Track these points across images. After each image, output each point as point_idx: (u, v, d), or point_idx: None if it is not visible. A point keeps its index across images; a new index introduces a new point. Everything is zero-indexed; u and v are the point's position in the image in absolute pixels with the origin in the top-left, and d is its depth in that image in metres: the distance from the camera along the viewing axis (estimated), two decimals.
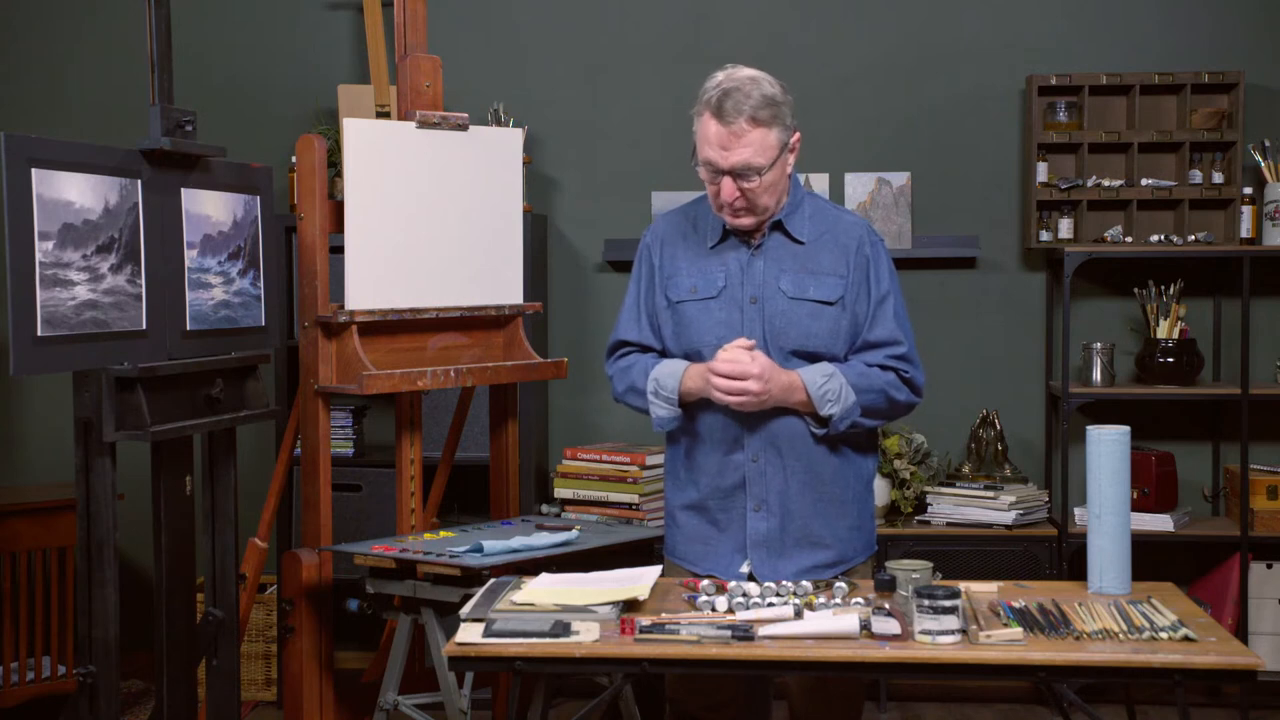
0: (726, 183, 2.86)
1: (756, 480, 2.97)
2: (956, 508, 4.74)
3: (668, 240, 3.07)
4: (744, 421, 2.95)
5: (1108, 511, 2.79)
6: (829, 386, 2.91)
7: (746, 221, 2.93)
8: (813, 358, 2.96)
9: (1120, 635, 2.53)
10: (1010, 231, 5.06)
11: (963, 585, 2.78)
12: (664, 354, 3.08)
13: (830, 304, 2.95)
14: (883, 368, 2.99)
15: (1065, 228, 4.87)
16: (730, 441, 2.97)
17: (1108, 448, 2.80)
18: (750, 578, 2.97)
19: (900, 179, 4.99)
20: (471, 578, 3.17)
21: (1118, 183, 4.84)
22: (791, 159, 2.96)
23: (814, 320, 2.94)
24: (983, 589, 2.83)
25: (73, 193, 2.90)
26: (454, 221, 3.82)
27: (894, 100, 5.05)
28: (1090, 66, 4.92)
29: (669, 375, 2.98)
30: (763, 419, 2.94)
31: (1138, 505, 4.62)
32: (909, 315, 3.08)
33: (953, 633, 2.49)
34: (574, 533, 3.56)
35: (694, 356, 2.99)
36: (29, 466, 5.30)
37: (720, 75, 2.89)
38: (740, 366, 2.84)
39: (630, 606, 2.69)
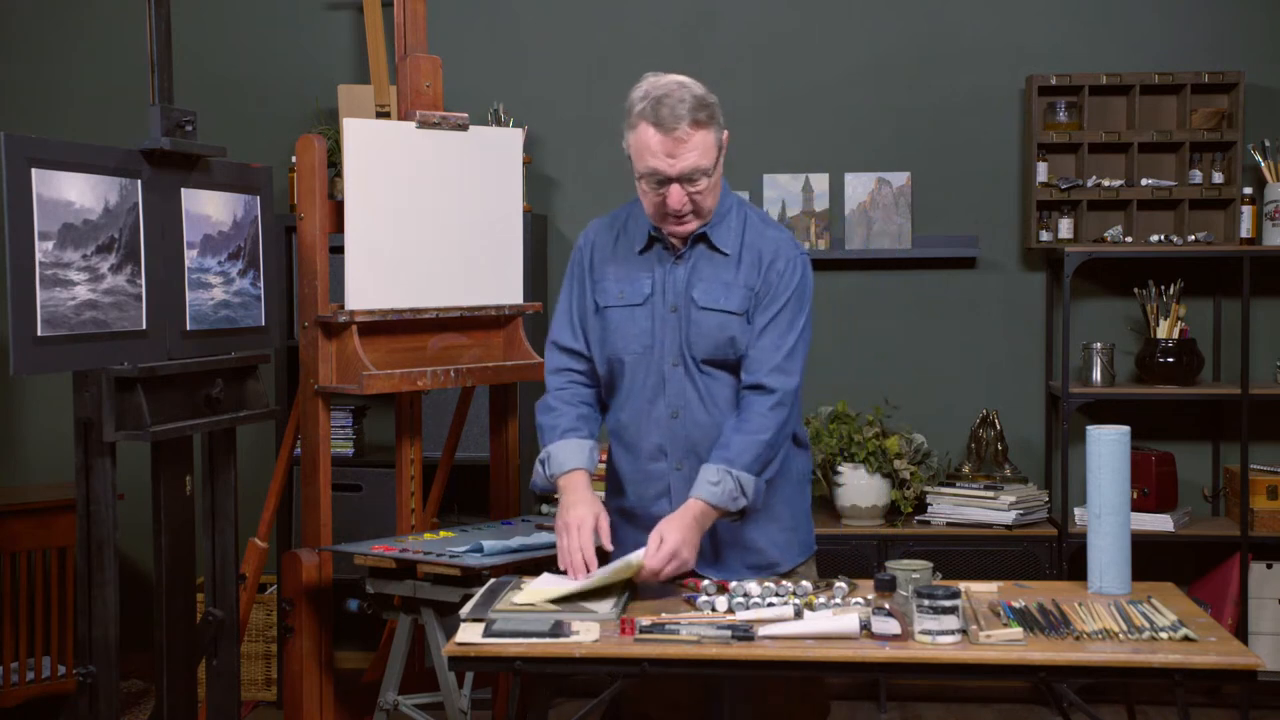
0: (675, 190, 2.83)
1: (680, 488, 2.93)
2: (956, 508, 4.74)
3: (599, 245, 3.05)
4: (664, 431, 2.94)
5: (1108, 511, 2.79)
6: (725, 489, 2.83)
7: (691, 227, 2.90)
8: (724, 367, 2.92)
9: (1120, 635, 2.53)
10: (1010, 231, 5.06)
11: (963, 585, 2.78)
12: (593, 369, 3.05)
13: (737, 315, 2.91)
14: (759, 388, 2.92)
15: (1065, 228, 4.87)
16: (653, 450, 2.96)
17: (1108, 448, 2.80)
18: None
19: (900, 179, 4.99)
20: (471, 578, 3.17)
21: (1118, 183, 4.84)
22: (721, 159, 2.91)
23: (722, 330, 2.91)
24: (983, 589, 2.83)
25: (73, 193, 2.90)
26: (454, 221, 3.82)
27: (894, 100, 5.05)
28: (1090, 66, 4.92)
29: (557, 463, 2.96)
30: (682, 428, 2.93)
31: (1138, 505, 4.62)
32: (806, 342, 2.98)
33: (953, 633, 2.49)
34: None
35: (615, 365, 2.98)
36: (29, 466, 5.30)
37: (644, 85, 2.85)
38: (665, 558, 2.78)
39: (629, 607, 2.69)
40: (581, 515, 2.87)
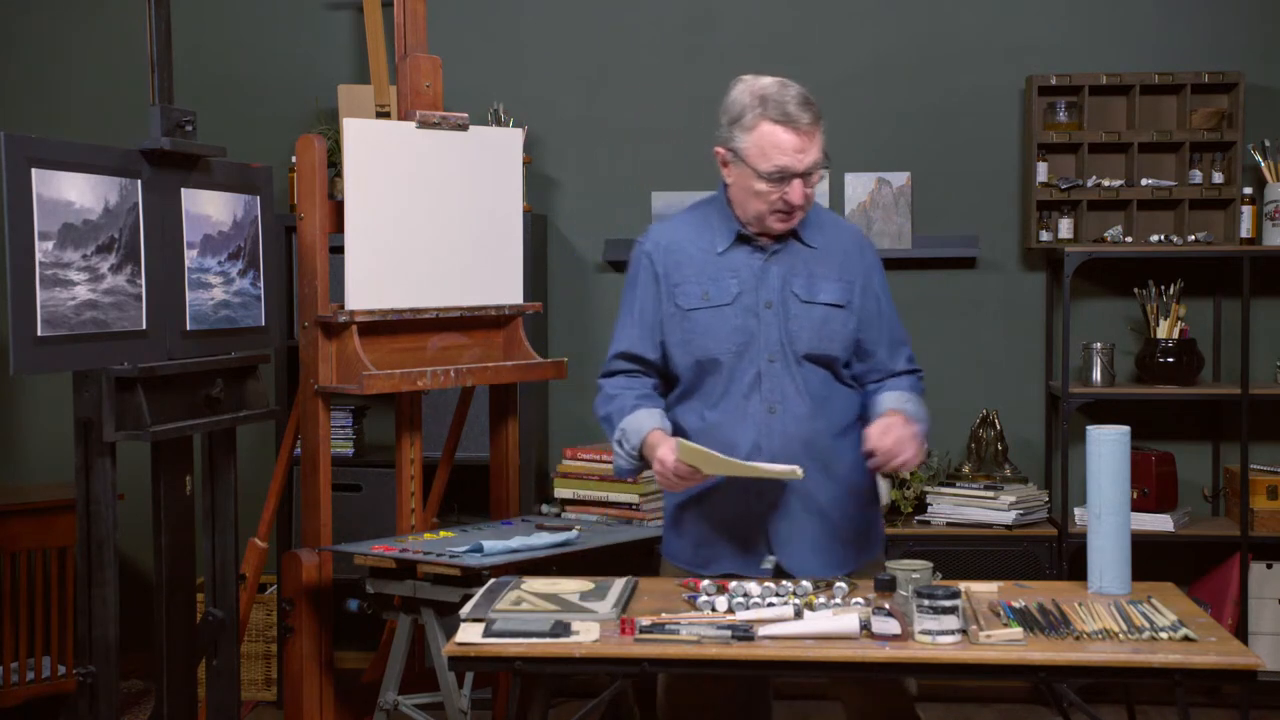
0: (797, 185, 2.90)
1: (772, 485, 2.95)
2: (956, 508, 4.74)
3: (671, 248, 3.05)
4: (760, 426, 2.96)
5: (1108, 511, 2.80)
6: (914, 406, 3.01)
7: (794, 222, 2.97)
8: (821, 361, 2.99)
9: (1120, 635, 2.53)
10: (1010, 231, 5.06)
11: (963, 585, 2.79)
12: (661, 372, 3.08)
13: (841, 307, 3.00)
14: (907, 372, 3.11)
15: (1065, 228, 4.87)
16: (749, 446, 2.95)
17: (1108, 448, 2.80)
18: (778, 570, 2.98)
19: (900, 179, 4.99)
20: (471, 578, 3.17)
21: (1118, 183, 4.84)
22: None
23: (825, 324, 2.98)
24: (983, 589, 2.83)
25: (73, 193, 2.90)
26: (454, 221, 3.82)
27: (894, 100, 5.05)
28: (1090, 66, 4.92)
29: (634, 431, 2.97)
30: (779, 423, 2.96)
31: (1138, 505, 4.62)
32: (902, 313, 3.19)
33: (953, 633, 2.49)
34: (574, 533, 3.56)
35: (707, 365, 2.99)
36: (29, 466, 5.30)
37: (746, 87, 2.93)
38: (893, 439, 2.88)
39: (629, 607, 2.69)
40: (664, 454, 2.87)
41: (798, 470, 2.80)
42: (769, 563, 3.00)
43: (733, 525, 3.00)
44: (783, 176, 2.89)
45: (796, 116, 2.87)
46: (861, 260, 3.05)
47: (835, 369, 3.02)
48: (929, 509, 4.78)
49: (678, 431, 3.00)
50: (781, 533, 2.99)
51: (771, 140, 2.89)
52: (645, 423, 2.96)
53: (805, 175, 2.90)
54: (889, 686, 3.01)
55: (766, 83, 2.93)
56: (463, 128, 3.83)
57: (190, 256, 3.23)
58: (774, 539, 2.99)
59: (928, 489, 4.79)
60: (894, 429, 2.88)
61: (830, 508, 3.01)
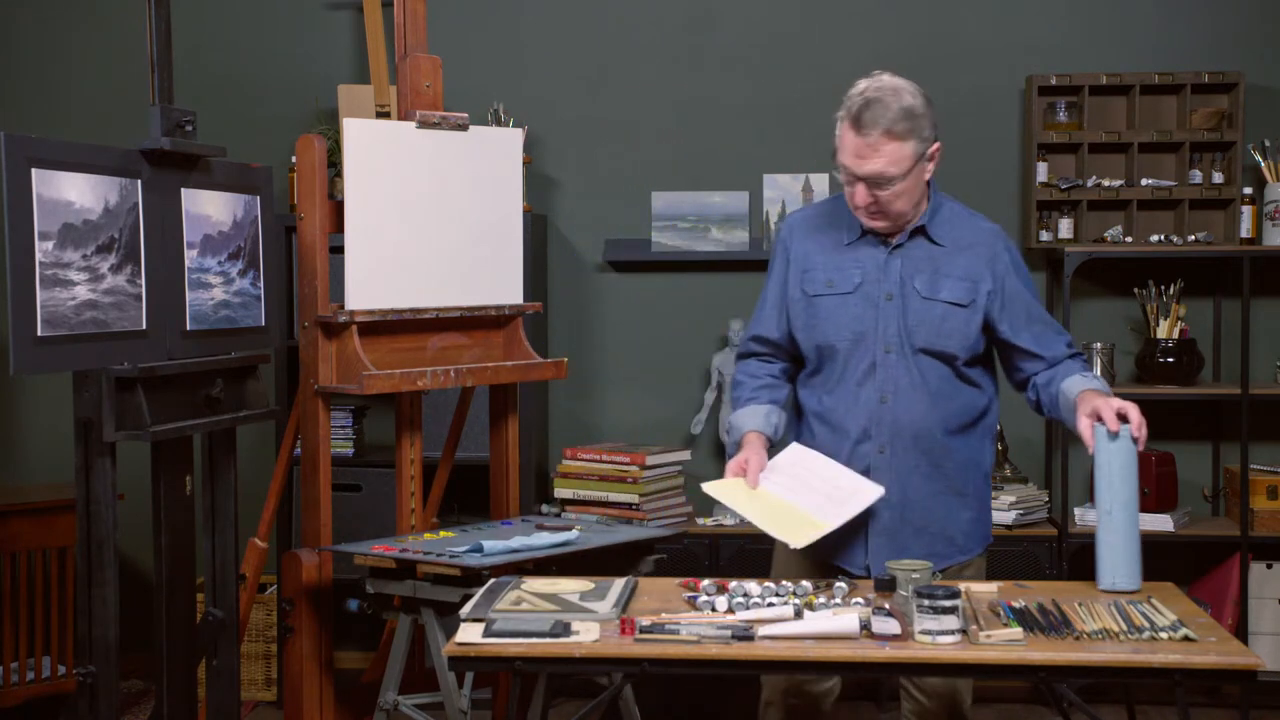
0: (860, 188, 2.94)
1: (882, 470, 3.01)
2: None
3: (804, 234, 3.12)
4: (871, 415, 3.02)
5: (1120, 506, 2.80)
6: (1099, 382, 2.98)
7: (880, 224, 3.00)
8: (940, 357, 3.01)
9: (1120, 635, 2.53)
10: (1010, 231, 5.04)
11: (963, 585, 2.78)
12: (792, 355, 3.16)
13: (963, 306, 3.01)
14: (1071, 356, 3.09)
15: (1065, 228, 4.87)
16: (859, 433, 3.03)
17: (1118, 443, 2.81)
18: (868, 574, 3.02)
19: None
20: (471, 578, 3.17)
21: (1118, 183, 4.84)
22: (930, 167, 3.01)
23: (945, 321, 3.00)
24: (983, 589, 2.83)
25: (73, 193, 2.90)
26: (454, 221, 3.82)
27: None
28: (1090, 66, 4.92)
29: (736, 429, 3.12)
30: (889, 413, 3.01)
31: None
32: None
33: (953, 633, 2.49)
34: (574, 533, 3.56)
35: (825, 351, 3.05)
36: (29, 466, 5.30)
37: (864, 83, 2.96)
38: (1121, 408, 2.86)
39: (629, 607, 2.69)
40: (741, 457, 3.03)
41: (806, 535, 2.86)
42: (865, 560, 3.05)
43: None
44: (849, 177, 2.94)
45: (866, 125, 2.89)
46: (993, 261, 3.04)
47: (955, 366, 3.03)
48: None
49: (800, 411, 3.14)
50: (876, 522, 3.03)
51: (842, 139, 2.95)
52: (747, 422, 3.10)
53: (868, 182, 2.91)
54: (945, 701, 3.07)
55: (880, 84, 2.95)
56: (463, 128, 3.83)
57: (190, 256, 3.23)
58: (871, 528, 3.03)
59: None
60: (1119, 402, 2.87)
61: (930, 500, 3.05)
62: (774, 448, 3.12)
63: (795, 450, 3.08)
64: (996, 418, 3.16)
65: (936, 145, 2.98)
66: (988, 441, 3.15)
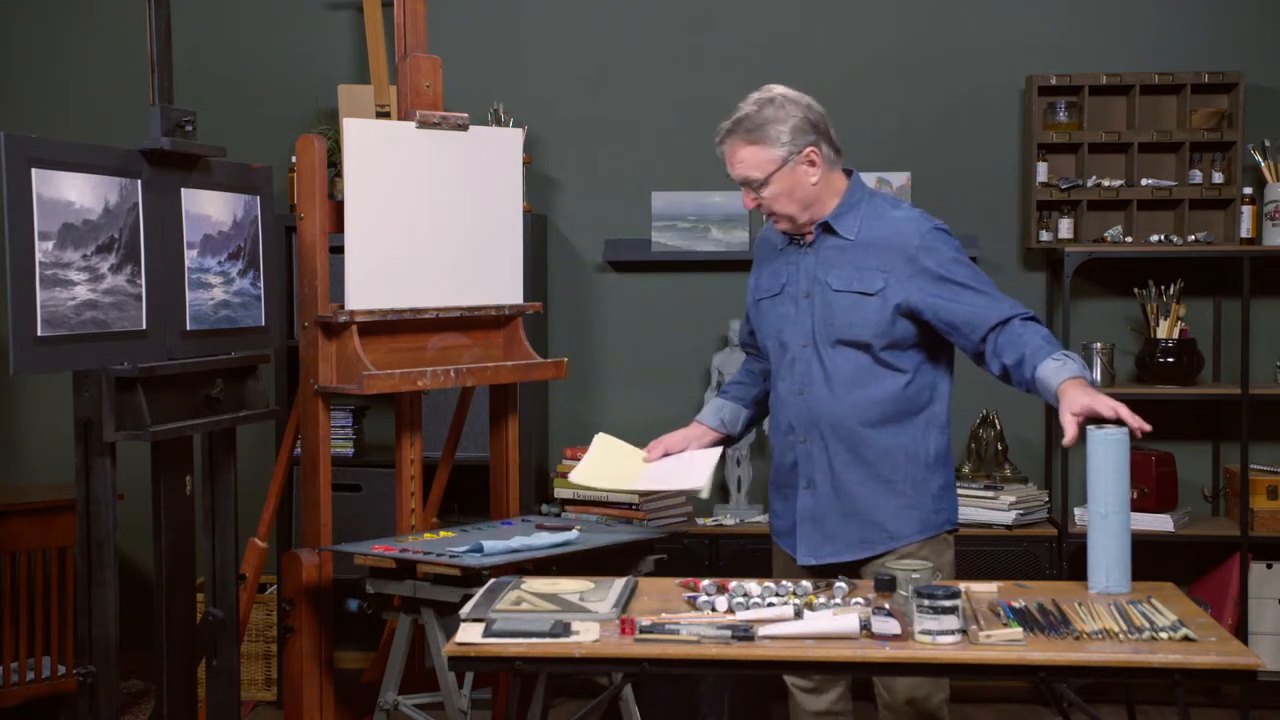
0: (745, 192, 3.13)
1: (807, 460, 3.15)
2: None
3: (761, 244, 3.32)
4: (793, 408, 3.16)
5: (1112, 510, 2.80)
6: (1070, 364, 2.94)
7: (782, 226, 3.16)
8: (855, 346, 3.09)
9: (1120, 635, 2.53)
10: (1010, 231, 5.06)
11: (963, 585, 2.78)
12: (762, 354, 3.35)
13: (870, 295, 3.08)
14: (1024, 319, 3.07)
15: (1065, 228, 4.87)
16: (786, 426, 3.18)
17: (1110, 447, 2.80)
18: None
19: (900, 179, 4.99)
20: (471, 578, 3.17)
21: (1118, 183, 4.84)
22: (809, 170, 3.09)
23: (854, 310, 3.08)
24: (983, 589, 2.83)
25: (73, 193, 2.90)
26: (454, 221, 3.82)
27: (894, 100, 5.05)
28: (1090, 66, 4.92)
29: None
30: (805, 405, 3.13)
31: (1138, 505, 4.62)
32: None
33: (953, 633, 2.49)
34: (574, 533, 3.56)
35: (767, 350, 3.24)
36: (29, 466, 5.30)
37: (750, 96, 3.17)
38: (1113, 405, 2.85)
39: (629, 607, 2.69)
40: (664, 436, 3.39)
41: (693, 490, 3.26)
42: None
43: (787, 497, 3.22)
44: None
45: (722, 133, 3.12)
46: (905, 246, 3.07)
47: (874, 354, 3.08)
48: None
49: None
50: (802, 510, 3.16)
51: None
52: (704, 413, 3.45)
53: (745, 185, 3.10)
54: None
55: (752, 98, 3.15)
56: (463, 128, 3.83)
57: (190, 256, 3.23)
58: (799, 515, 3.16)
59: None
60: (1092, 396, 2.84)
61: (856, 488, 3.11)
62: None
63: (716, 450, 3.36)
64: (944, 406, 3.16)
65: (808, 150, 3.08)
66: (929, 430, 3.14)
